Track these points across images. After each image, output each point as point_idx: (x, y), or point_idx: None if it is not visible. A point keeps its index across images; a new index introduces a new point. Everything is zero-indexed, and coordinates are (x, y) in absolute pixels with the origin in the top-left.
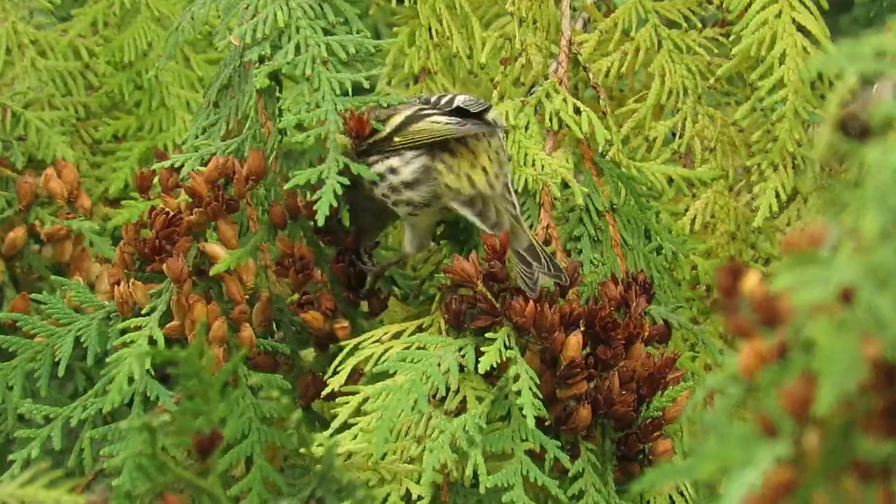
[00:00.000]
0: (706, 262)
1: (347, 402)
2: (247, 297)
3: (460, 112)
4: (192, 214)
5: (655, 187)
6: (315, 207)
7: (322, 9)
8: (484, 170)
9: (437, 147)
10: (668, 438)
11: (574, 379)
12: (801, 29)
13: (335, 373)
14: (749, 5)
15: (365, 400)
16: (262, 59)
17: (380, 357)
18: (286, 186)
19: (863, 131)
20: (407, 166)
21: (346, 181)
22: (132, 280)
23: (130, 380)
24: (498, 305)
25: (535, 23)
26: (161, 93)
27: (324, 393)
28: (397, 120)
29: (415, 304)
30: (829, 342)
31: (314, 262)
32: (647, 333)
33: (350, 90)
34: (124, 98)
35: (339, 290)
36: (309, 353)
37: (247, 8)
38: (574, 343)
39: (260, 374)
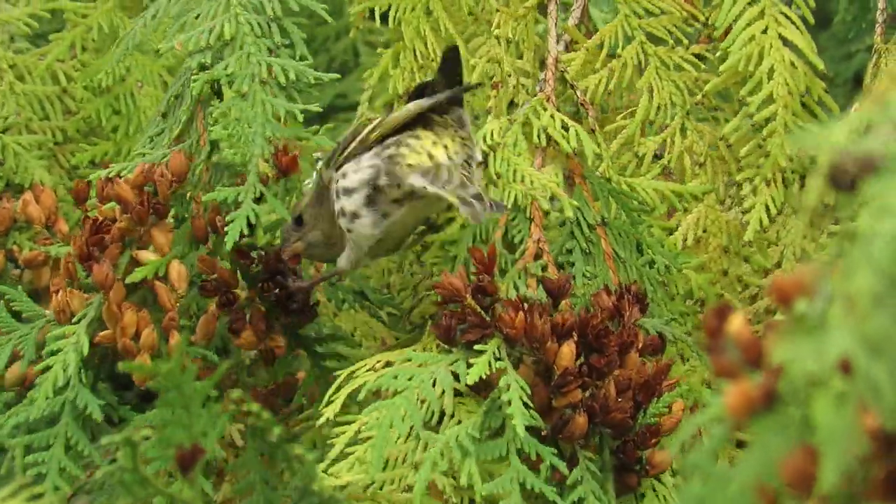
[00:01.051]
0: (700, 276)
1: (344, 432)
2: (177, 304)
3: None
4: (122, 221)
5: (647, 202)
6: (226, 230)
7: (270, 28)
8: (445, 147)
9: (406, 135)
10: (664, 449)
11: (568, 388)
12: (787, 44)
13: (329, 402)
14: (735, 21)
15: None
16: (202, 68)
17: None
18: (203, 198)
19: (852, 182)
20: (357, 174)
21: (259, 211)
22: (69, 289)
23: (56, 388)
24: (488, 318)
25: (522, 43)
26: (138, 118)
27: (319, 422)
28: (377, 120)
29: (403, 330)
30: (828, 418)
31: (237, 283)
32: (641, 343)
33: (282, 118)
34: (102, 123)
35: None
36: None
37: (196, 17)
38: (567, 352)
39: (237, 391)
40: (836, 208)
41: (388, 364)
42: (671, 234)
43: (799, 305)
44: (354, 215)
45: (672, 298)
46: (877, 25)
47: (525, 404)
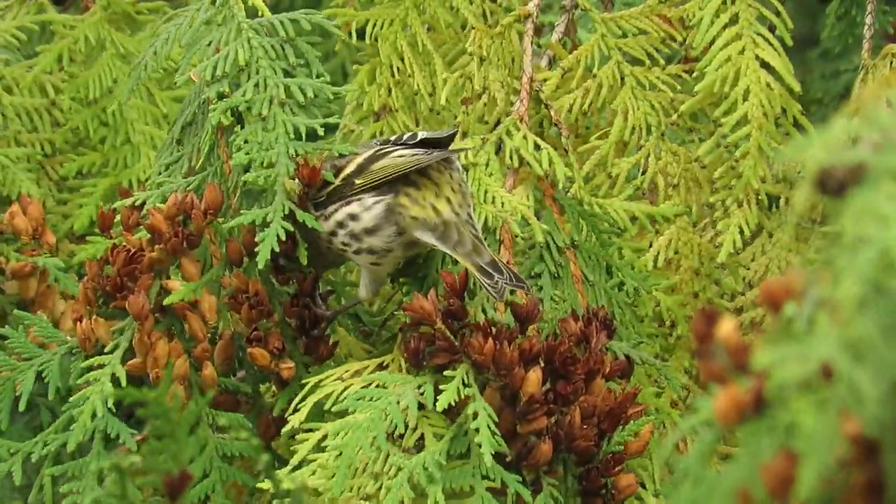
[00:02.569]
0: (669, 298)
1: (307, 439)
2: (209, 335)
3: (424, 144)
4: (153, 251)
5: (618, 224)
6: (256, 250)
7: (283, 50)
8: (448, 200)
9: (401, 183)
10: (630, 473)
11: (534, 414)
12: (764, 65)
13: (295, 410)
14: (712, 42)
15: (324, 437)
16: (220, 96)
17: (340, 394)
18: (231, 223)
19: (840, 187)
20: (368, 211)
21: (290, 227)
22: (94, 317)
23: (93, 417)
24: (457, 343)
25: (497, 60)
26: (126, 129)
27: (284, 430)
28: (357, 161)
29: (377, 342)
30: (809, 422)
31: (268, 301)
32: (608, 369)
33: (304, 135)
34: (89, 134)
35: (289, 332)
36: (268, 390)
37: (209, 45)
38: (534, 379)
39: (227, 415)
40: (823, 222)
41: (357, 373)
42: (642, 255)
43: (787, 310)
44: (374, 250)
45: (641, 320)
46: (864, 41)
47: (492, 431)
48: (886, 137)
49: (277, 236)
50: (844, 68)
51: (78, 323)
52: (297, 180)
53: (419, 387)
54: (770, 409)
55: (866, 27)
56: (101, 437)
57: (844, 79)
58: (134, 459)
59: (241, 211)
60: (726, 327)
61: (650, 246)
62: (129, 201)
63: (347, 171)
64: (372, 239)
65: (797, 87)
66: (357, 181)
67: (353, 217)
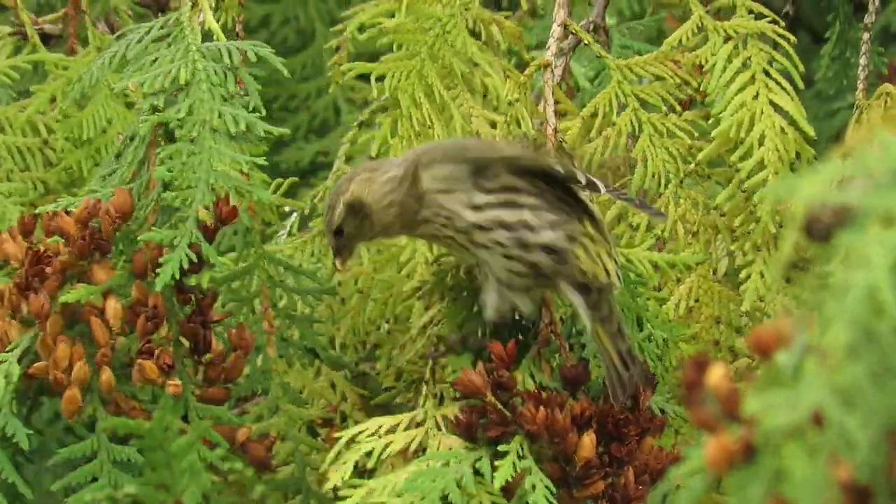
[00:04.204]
0: (691, 347)
1: (350, 496)
2: (113, 341)
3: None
4: (64, 255)
5: (642, 274)
6: (157, 271)
7: (226, 76)
8: (615, 259)
9: (578, 219)
10: None
11: (590, 479)
12: (778, 109)
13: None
14: (726, 87)
15: (370, 492)
16: (154, 110)
17: (381, 452)
18: (140, 238)
19: (827, 233)
20: (545, 230)
21: (194, 257)
22: (8, 319)
23: None
24: (509, 414)
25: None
26: None
27: (326, 487)
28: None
29: (373, 388)
30: (800, 469)
31: (164, 313)
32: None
33: (228, 166)
34: (83, 174)
35: (180, 352)
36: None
37: (154, 62)
38: (588, 443)
39: (219, 450)
40: (811, 265)
41: (391, 430)
42: (663, 304)
43: (778, 357)
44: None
45: (667, 371)
46: (859, 81)
47: (549, 501)
48: (873, 180)
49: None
50: (838, 107)
51: None
52: (210, 212)
53: (476, 462)
54: (760, 457)
55: (861, 67)
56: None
57: (839, 119)
58: (129, 490)
59: (153, 228)
60: (716, 375)
61: (670, 296)
62: (51, 207)
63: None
64: (540, 256)
65: (811, 132)
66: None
67: (528, 226)
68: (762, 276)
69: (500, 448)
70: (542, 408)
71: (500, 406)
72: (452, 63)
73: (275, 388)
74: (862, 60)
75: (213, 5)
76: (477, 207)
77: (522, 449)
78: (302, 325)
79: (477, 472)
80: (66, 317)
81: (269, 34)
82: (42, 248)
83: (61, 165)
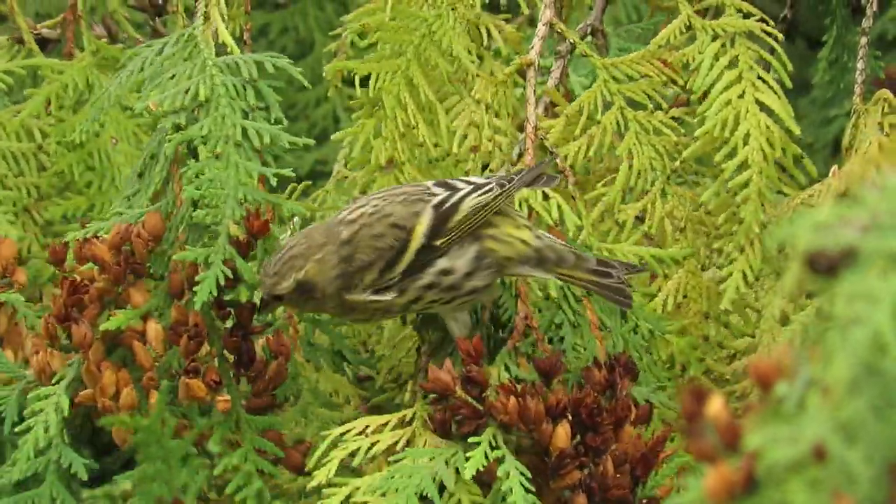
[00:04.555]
0: (681, 340)
1: (335, 494)
2: (156, 363)
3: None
4: (100, 282)
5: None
6: (195, 290)
7: (245, 90)
8: (527, 227)
9: (479, 228)
10: None
11: (566, 469)
12: (764, 108)
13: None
14: (713, 86)
15: (355, 490)
16: (177, 128)
17: (367, 451)
18: (175, 258)
19: (830, 268)
20: (460, 260)
21: (230, 273)
22: (50, 349)
23: (36, 447)
24: (480, 407)
25: (500, 108)
26: (112, 173)
27: (309, 486)
28: (424, 223)
29: (371, 389)
30: (802, 503)
31: (205, 330)
32: (634, 416)
33: (256, 181)
34: (75, 179)
35: (225, 367)
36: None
37: (171, 78)
38: (562, 433)
39: (217, 446)
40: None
41: (379, 429)
42: (652, 299)
43: (778, 389)
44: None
45: (655, 364)
46: (855, 86)
47: (526, 489)
48: (875, 220)
49: (223, 276)
50: (835, 114)
51: (34, 355)
52: (241, 227)
53: (451, 457)
54: (762, 489)
55: (858, 72)
56: (55, 467)
57: (836, 126)
58: (126, 487)
59: (186, 246)
60: (715, 406)
61: (658, 290)
62: (81, 233)
63: (415, 242)
64: (473, 281)
65: (797, 130)
66: (437, 243)
67: (447, 272)
68: (744, 275)
69: (472, 440)
70: (513, 398)
71: (469, 400)
72: (439, 63)
73: (305, 394)
74: (859, 65)
75: (224, 16)
76: (401, 290)
77: (496, 440)
78: (327, 329)
79: (456, 469)
80: (106, 343)
81: (268, 43)
82: (77, 277)
83: (54, 169)
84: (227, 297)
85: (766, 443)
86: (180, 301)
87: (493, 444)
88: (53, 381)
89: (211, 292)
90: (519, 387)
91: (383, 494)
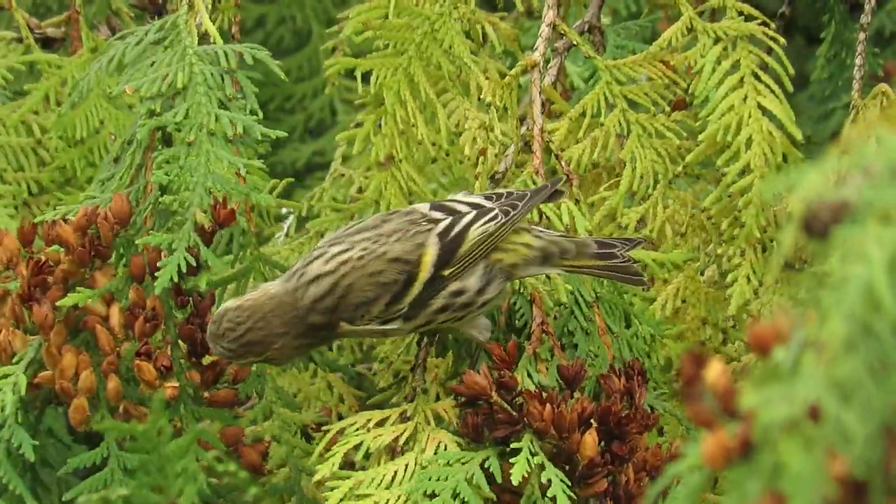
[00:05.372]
0: (678, 345)
1: (338, 486)
2: (118, 348)
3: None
4: (64, 263)
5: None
6: (156, 275)
7: (223, 80)
8: (527, 230)
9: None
10: None
11: (594, 478)
12: (766, 112)
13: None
14: (715, 89)
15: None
16: (151, 114)
17: (369, 446)
18: (138, 241)
19: (825, 229)
20: (470, 280)
21: (192, 260)
22: (12, 329)
23: None
24: (515, 414)
25: (506, 110)
26: None
27: (314, 480)
28: (430, 255)
29: (369, 389)
30: (796, 463)
31: (163, 315)
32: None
33: (224, 169)
34: (76, 174)
35: (177, 355)
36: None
37: (151, 65)
38: (591, 442)
39: (212, 452)
40: (810, 263)
41: (380, 423)
42: (651, 303)
43: (776, 354)
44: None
45: (655, 368)
46: (854, 82)
47: (568, 496)
48: (871, 177)
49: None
50: (833, 107)
51: None
52: (208, 215)
53: (484, 461)
54: (757, 453)
55: (856, 68)
56: (5, 447)
57: (834, 120)
58: (123, 493)
59: (150, 231)
60: (714, 371)
61: (657, 296)
62: (49, 215)
63: (423, 274)
64: (486, 295)
65: (799, 136)
66: (446, 273)
67: (459, 293)
68: (748, 280)
69: (513, 446)
70: (548, 405)
71: (506, 406)
72: (441, 62)
73: (269, 392)
74: (857, 61)
75: (210, 7)
76: (411, 318)
77: (533, 446)
78: None
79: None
80: (69, 326)
81: (265, 34)
82: (43, 258)
83: (54, 164)
84: (187, 286)
85: (760, 403)
86: (140, 283)
87: (532, 450)
88: (14, 361)
89: (172, 278)
90: (545, 394)
91: (428, 495)
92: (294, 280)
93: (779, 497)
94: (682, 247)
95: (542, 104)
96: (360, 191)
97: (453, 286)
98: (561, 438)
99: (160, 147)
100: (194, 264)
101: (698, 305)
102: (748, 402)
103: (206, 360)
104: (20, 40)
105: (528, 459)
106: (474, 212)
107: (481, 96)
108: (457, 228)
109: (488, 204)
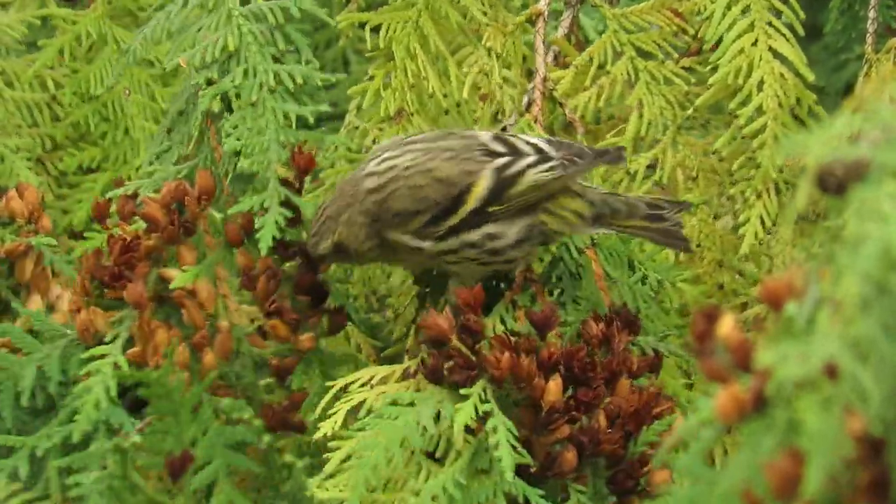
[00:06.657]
0: (694, 289)
1: (339, 447)
2: (207, 323)
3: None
4: (149, 240)
5: None
6: (257, 236)
7: (273, 36)
8: (579, 194)
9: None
10: (665, 468)
11: (556, 424)
12: (777, 55)
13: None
14: (725, 33)
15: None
16: (209, 83)
17: (372, 405)
18: (230, 210)
19: (840, 185)
20: (511, 229)
21: (288, 213)
22: (92, 307)
23: (97, 408)
24: (474, 358)
25: (509, 58)
26: (126, 124)
27: (316, 436)
28: (483, 187)
29: (385, 339)
30: (814, 421)
31: (279, 270)
32: (634, 367)
33: (294, 122)
34: (90, 129)
35: (298, 305)
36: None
37: (198, 31)
38: (554, 388)
39: (228, 399)
40: (825, 218)
41: (384, 380)
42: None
43: (788, 308)
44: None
45: (667, 313)
46: (867, 35)
47: (513, 445)
48: (887, 134)
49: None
50: (847, 58)
51: (76, 314)
52: (289, 168)
53: (439, 403)
54: (772, 408)
55: (869, 21)
56: (105, 427)
57: (848, 72)
58: (136, 440)
59: (240, 198)
60: (726, 325)
61: None
62: (122, 191)
63: (471, 204)
64: (516, 251)
65: (810, 77)
66: (492, 209)
67: (493, 237)
68: (762, 221)
69: (463, 391)
70: (506, 353)
71: (464, 350)
72: (448, 12)
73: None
74: (871, 13)
75: None
76: (441, 238)
77: (486, 393)
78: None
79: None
80: (153, 302)
81: None
82: (127, 237)
83: (69, 120)
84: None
85: (777, 361)
86: (238, 249)
87: (483, 397)
88: (107, 341)
89: (274, 236)
90: (513, 340)
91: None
92: (360, 175)
93: (796, 453)
94: (693, 191)
95: (547, 52)
96: (374, 142)
97: (493, 228)
98: (519, 387)
99: (219, 114)
100: (291, 216)
101: (713, 248)
102: (765, 359)
103: (331, 304)
104: None
105: (476, 406)
106: (536, 156)
107: (483, 42)
108: (514, 168)
109: (550, 150)
